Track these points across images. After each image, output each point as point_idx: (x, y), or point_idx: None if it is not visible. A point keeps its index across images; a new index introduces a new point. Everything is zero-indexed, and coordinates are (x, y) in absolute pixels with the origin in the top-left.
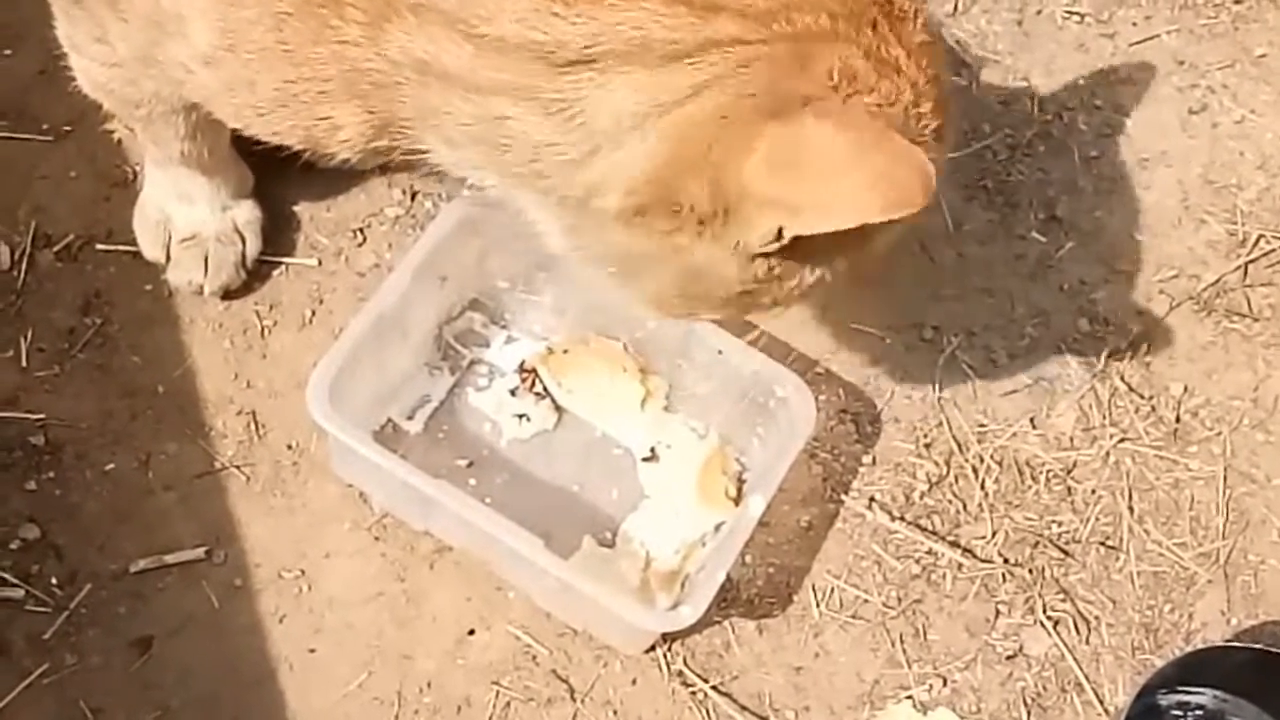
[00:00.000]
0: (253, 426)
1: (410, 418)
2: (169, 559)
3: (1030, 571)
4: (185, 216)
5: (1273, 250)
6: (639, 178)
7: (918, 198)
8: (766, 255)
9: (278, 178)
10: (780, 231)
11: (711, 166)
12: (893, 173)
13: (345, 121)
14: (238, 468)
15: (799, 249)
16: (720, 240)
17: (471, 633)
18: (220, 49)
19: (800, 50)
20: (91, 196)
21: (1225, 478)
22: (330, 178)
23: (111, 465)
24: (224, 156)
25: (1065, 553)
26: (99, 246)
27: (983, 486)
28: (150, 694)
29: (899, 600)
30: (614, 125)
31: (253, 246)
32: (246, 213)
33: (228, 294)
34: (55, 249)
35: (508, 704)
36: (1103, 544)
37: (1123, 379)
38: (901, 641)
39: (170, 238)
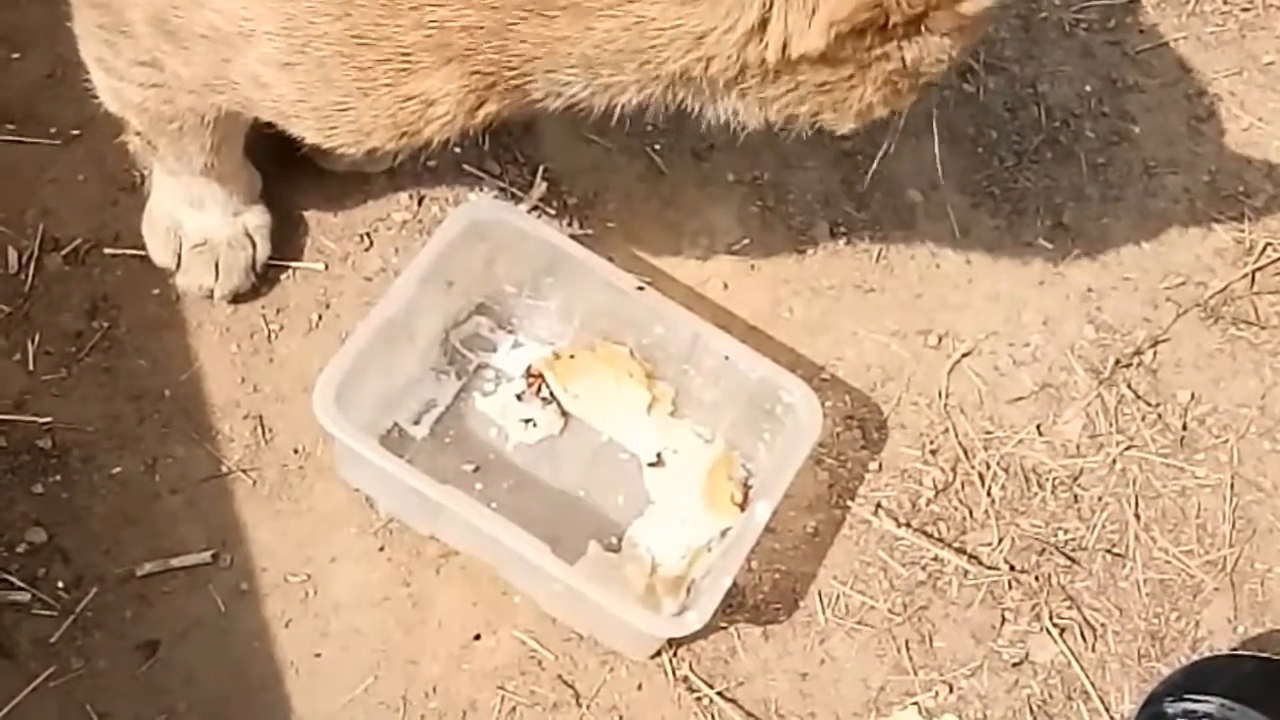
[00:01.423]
0: (259, 430)
1: (416, 422)
2: (175, 563)
3: (1036, 579)
4: (196, 222)
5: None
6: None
7: None
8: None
9: (286, 183)
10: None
11: None
12: None
13: (440, 94)
14: (244, 472)
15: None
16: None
17: (477, 637)
18: (294, 50)
19: None
20: (99, 200)
21: (1232, 485)
22: (338, 183)
23: (118, 469)
24: (238, 164)
25: (1071, 560)
26: (106, 250)
27: (989, 493)
28: (156, 697)
29: (905, 607)
30: None
31: (262, 251)
32: (256, 218)
33: (236, 298)
34: (63, 252)
35: (513, 709)
36: (1109, 551)
37: (1129, 386)
38: (907, 648)
39: (181, 243)
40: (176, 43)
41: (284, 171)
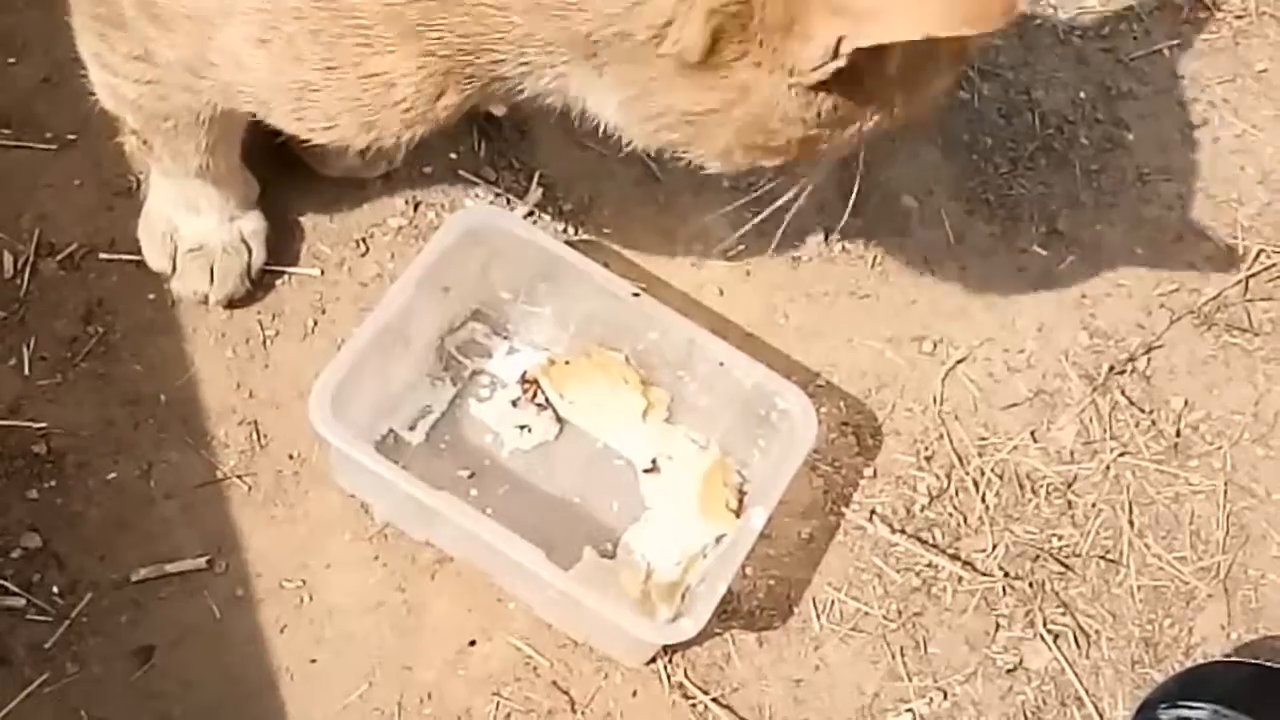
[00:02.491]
0: (254, 436)
1: (412, 428)
2: (170, 568)
3: (1030, 585)
4: (192, 227)
5: (1273, 265)
6: None
7: (997, 13)
8: (828, 90)
9: (281, 189)
10: (838, 49)
11: None
12: None
13: (399, 75)
14: (239, 477)
15: (859, 85)
16: (782, 67)
17: (472, 643)
18: (268, 26)
19: None
20: (95, 205)
21: (1225, 492)
22: (334, 189)
23: (113, 474)
24: (234, 168)
25: (1065, 566)
26: (102, 255)
27: (983, 500)
28: (151, 703)
29: (899, 613)
30: None
31: (258, 257)
32: (253, 223)
33: (231, 304)
34: (58, 257)
35: (508, 715)
36: (1103, 558)
37: (1123, 393)
38: (902, 654)
39: (176, 248)
40: (162, 26)
41: (280, 178)
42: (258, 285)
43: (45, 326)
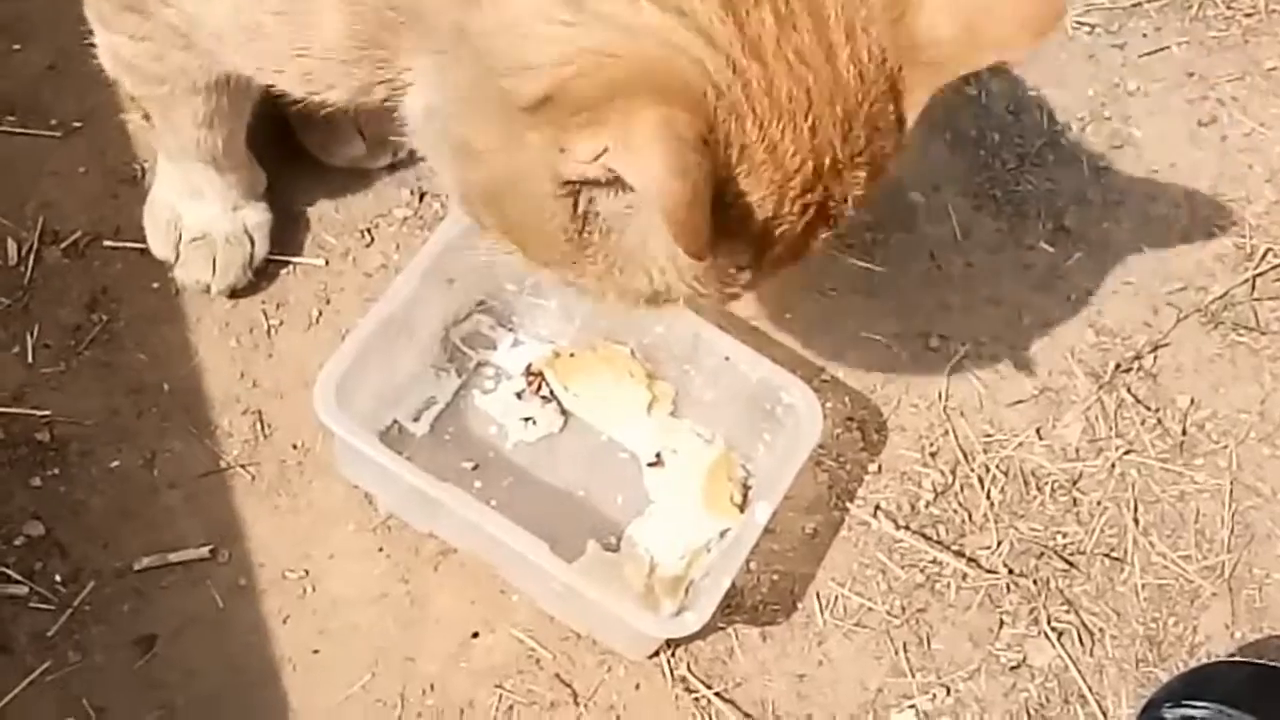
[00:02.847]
0: (258, 426)
1: (416, 419)
2: (173, 557)
3: (1035, 582)
4: (196, 215)
5: None
6: None
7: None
8: (574, 206)
9: (287, 179)
10: (603, 155)
11: None
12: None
13: (327, 19)
14: (243, 467)
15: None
16: (555, 144)
17: (475, 635)
18: None
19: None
20: (100, 193)
21: (1231, 491)
22: (340, 178)
23: (116, 463)
24: (238, 153)
25: (1070, 564)
26: (106, 243)
27: (988, 496)
28: (153, 693)
29: (903, 609)
30: None
31: (260, 249)
32: (257, 215)
33: (235, 293)
34: (62, 245)
35: (510, 707)
36: (1107, 556)
37: (1129, 391)
38: (905, 650)
39: (180, 236)
40: None
41: (285, 168)
42: (261, 275)
43: (49, 314)
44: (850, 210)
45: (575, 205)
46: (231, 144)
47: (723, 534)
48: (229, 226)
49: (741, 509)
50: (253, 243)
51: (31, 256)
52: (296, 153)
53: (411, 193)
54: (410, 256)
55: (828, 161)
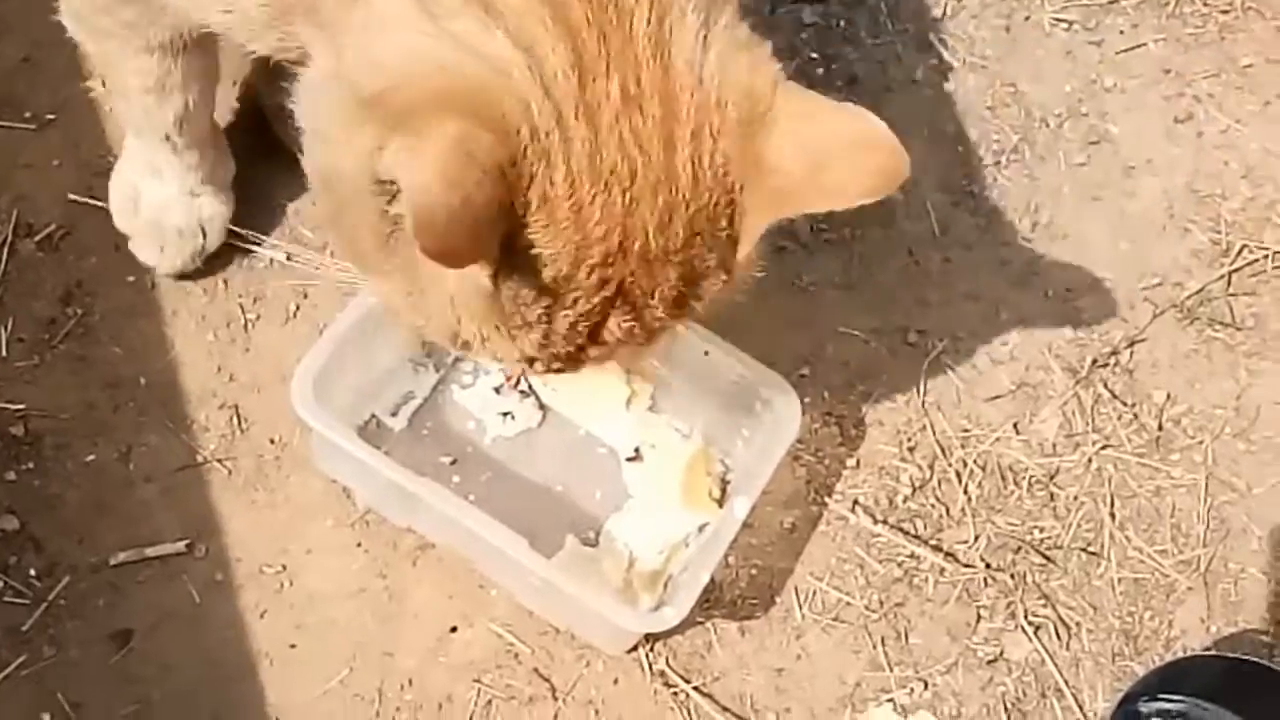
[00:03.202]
0: (235, 420)
1: (394, 414)
2: (150, 552)
3: (1012, 576)
4: (153, 194)
5: (1256, 260)
6: None
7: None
8: (388, 206)
9: (265, 171)
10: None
11: None
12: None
13: None
14: (219, 461)
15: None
16: (377, 133)
17: (454, 630)
18: None
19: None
20: (74, 186)
21: (1206, 486)
22: None
23: (92, 457)
24: (198, 135)
25: (1047, 558)
26: (81, 236)
27: (965, 491)
28: (129, 687)
29: (881, 603)
30: None
31: (212, 242)
32: (214, 206)
33: (183, 275)
34: (36, 238)
35: (489, 702)
36: (1084, 550)
37: (1106, 386)
38: (883, 644)
39: (138, 213)
40: None
41: (264, 160)
42: (238, 269)
43: (23, 307)
44: (659, 312)
45: (388, 206)
46: (190, 124)
47: (701, 529)
48: (182, 217)
49: (720, 504)
50: (204, 235)
51: (5, 250)
52: (275, 146)
53: None
54: None
55: (637, 245)
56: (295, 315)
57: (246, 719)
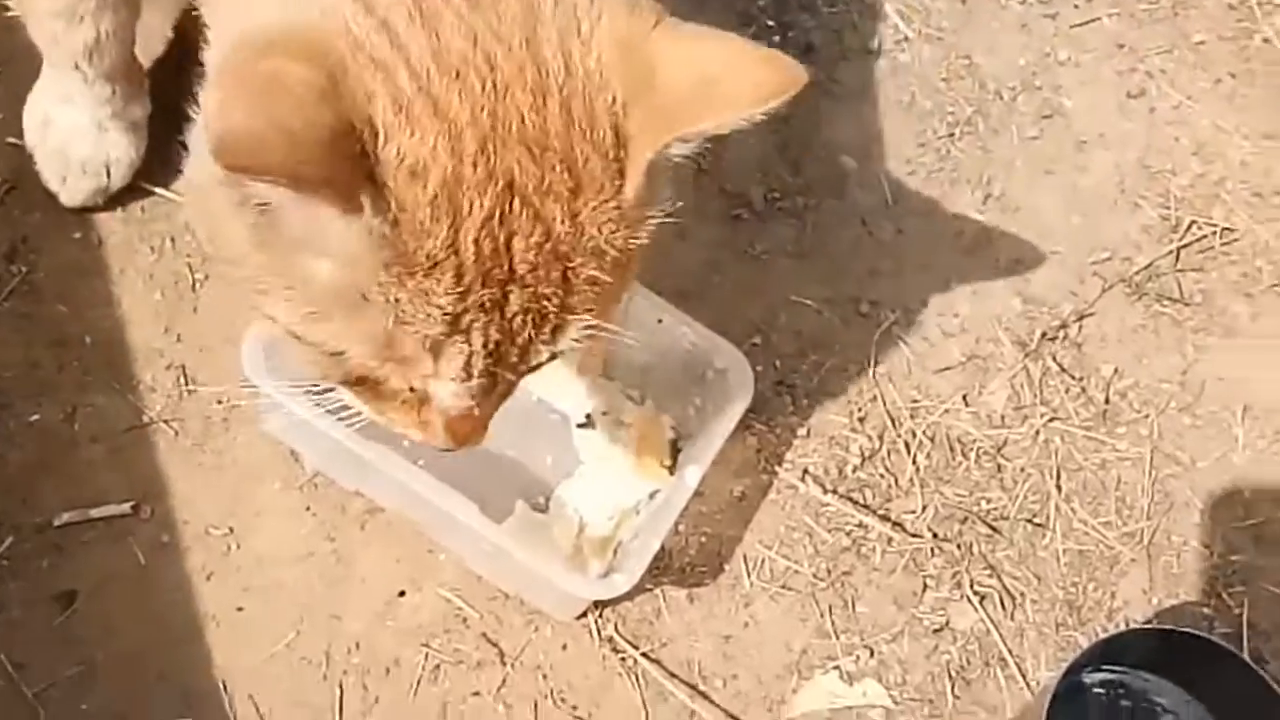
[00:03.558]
0: (182, 380)
1: None
2: (95, 513)
3: (959, 547)
4: (61, 120)
5: (1204, 236)
6: None
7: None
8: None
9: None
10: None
11: None
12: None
13: None
14: (166, 422)
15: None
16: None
17: (402, 594)
18: None
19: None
20: (18, 139)
21: (1151, 459)
22: None
23: (36, 416)
24: (113, 67)
25: (993, 529)
26: (27, 192)
27: (914, 462)
28: (73, 648)
29: (829, 572)
30: None
31: (116, 182)
32: (121, 148)
33: (88, 209)
34: None
35: (437, 666)
36: (1030, 521)
37: (1054, 359)
38: (830, 613)
39: (45, 139)
40: None
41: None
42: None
43: None
44: (560, 226)
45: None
46: (102, 55)
47: (652, 496)
48: (87, 150)
49: (671, 471)
50: (108, 176)
51: None
52: None
53: None
54: None
55: (513, 127)
56: None
57: (193, 682)
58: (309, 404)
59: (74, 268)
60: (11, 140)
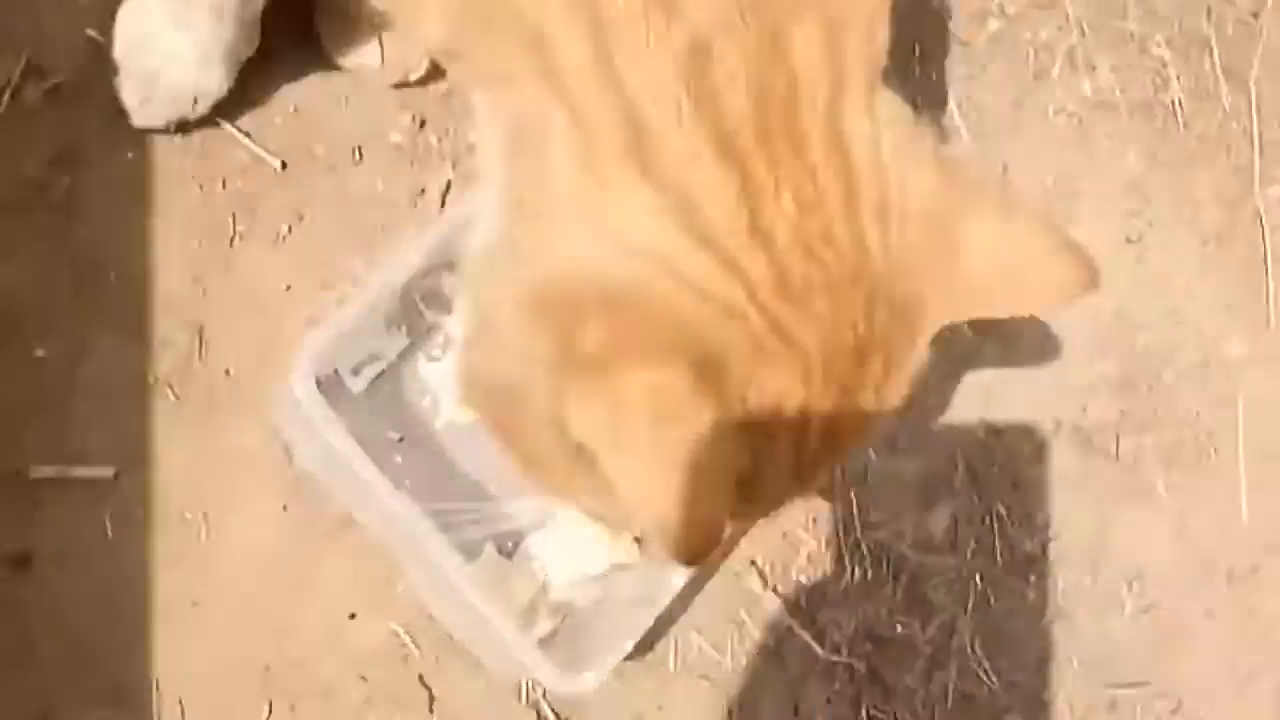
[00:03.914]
0: (197, 342)
1: (356, 373)
2: (76, 472)
3: (868, 667)
4: (167, 45)
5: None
6: None
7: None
8: None
9: (291, 69)
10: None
11: None
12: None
13: None
14: (170, 386)
15: None
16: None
17: (353, 617)
18: None
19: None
20: (96, 23)
21: (1044, 614)
22: (343, 86)
23: (41, 352)
24: (257, 11)
25: (899, 656)
26: (92, 93)
27: (851, 575)
28: (15, 614)
29: (747, 669)
30: None
31: (198, 113)
32: (216, 80)
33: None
34: (45, 86)
35: (367, 699)
36: (933, 657)
37: (999, 497)
38: (739, 710)
39: (139, 55)
40: None
41: (292, 61)
42: (239, 173)
43: (10, 164)
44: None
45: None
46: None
47: (617, 567)
48: (183, 80)
49: (639, 544)
50: (194, 106)
51: (7, 93)
52: (309, 50)
53: (413, 119)
54: (396, 189)
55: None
56: (284, 240)
57: (127, 676)
58: (344, 434)
59: (118, 190)
60: (91, 33)
